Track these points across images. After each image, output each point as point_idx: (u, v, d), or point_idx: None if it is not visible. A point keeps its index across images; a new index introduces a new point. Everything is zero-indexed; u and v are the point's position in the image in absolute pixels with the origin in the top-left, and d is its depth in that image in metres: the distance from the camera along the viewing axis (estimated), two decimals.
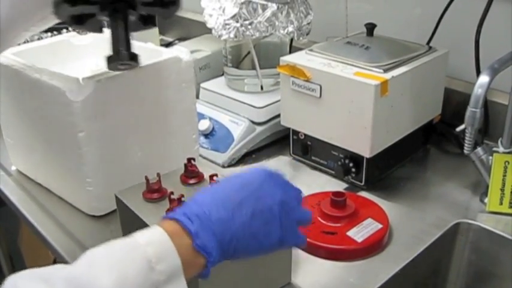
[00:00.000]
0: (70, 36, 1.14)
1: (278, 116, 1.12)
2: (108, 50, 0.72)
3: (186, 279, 0.56)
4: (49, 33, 1.46)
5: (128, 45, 0.74)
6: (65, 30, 1.49)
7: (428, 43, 1.13)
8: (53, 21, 0.79)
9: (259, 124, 1.15)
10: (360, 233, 0.87)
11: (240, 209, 0.60)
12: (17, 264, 1.73)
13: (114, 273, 0.51)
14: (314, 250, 0.86)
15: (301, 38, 1.13)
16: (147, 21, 0.77)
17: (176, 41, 1.72)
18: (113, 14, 0.72)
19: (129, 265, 0.53)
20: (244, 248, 0.61)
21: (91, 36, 1.14)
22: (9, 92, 0.99)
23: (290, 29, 1.10)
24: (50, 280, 0.50)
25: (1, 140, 1.10)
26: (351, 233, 0.87)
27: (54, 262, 1.22)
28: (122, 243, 0.55)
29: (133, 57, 0.73)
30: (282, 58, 1.05)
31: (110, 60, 0.73)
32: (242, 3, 1.07)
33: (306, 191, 0.99)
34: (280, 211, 0.62)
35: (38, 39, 1.40)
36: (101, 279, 0.51)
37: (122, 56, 0.72)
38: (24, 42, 1.38)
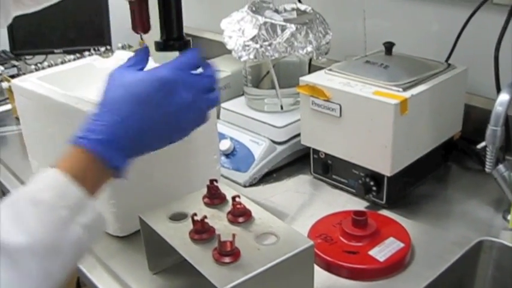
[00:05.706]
0: (93, 60, 1.16)
1: (298, 135, 1.13)
2: None
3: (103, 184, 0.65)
4: (72, 56, 1.50)
5: (181, 32, 0.74)
6: (87, 53, 1.53)
7: (447, 60, 1.13)
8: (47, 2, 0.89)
9: (279, 143, 1.16)
10: (382, 252, 0.87)
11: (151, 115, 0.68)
12: None
13: (23, 227, 0.56)
14: (336, 270, 0.86)
15: (320, 58, 1.14)
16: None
17: None
18: None
19: (33, 214, 0.57)
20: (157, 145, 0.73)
21: (113, 59, 1.16)
22: (35, 116, 1.01)
23: (309, 49, 1.11)
24: None
25: (27, 161, 1.12)
26: (373, 252, 0.87)
27: (78, 281, 1.24)
28: (22, 197, 0.59)
29: (186, 45, 0.75)
30: (301, 78, 1.06)
31: (161, 47, 0.75)
32: (261, 25, 1.09)
33: (327, 210, 0.99)
34: (191, 103, 0.70)
35: (62, 62, 1.43)
36: (13, 236, 0.54)
37: (177, 47, 0.74)
38: (49, 66, 1.42)
